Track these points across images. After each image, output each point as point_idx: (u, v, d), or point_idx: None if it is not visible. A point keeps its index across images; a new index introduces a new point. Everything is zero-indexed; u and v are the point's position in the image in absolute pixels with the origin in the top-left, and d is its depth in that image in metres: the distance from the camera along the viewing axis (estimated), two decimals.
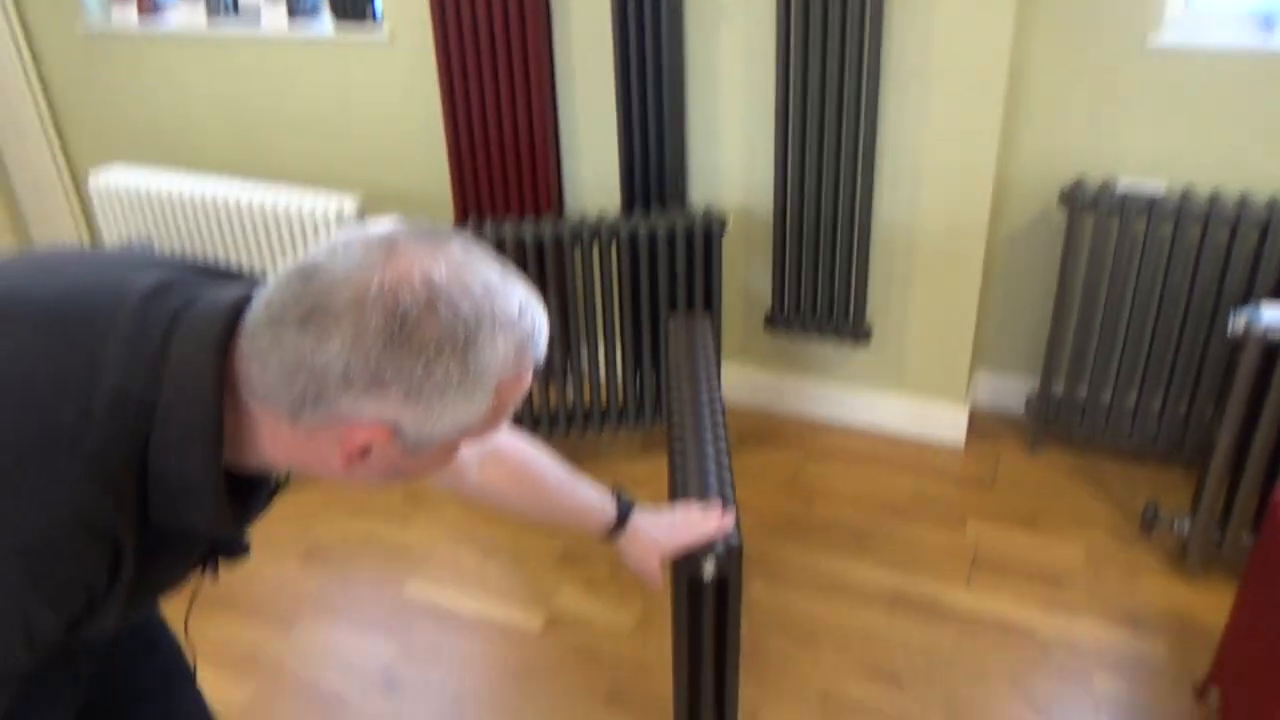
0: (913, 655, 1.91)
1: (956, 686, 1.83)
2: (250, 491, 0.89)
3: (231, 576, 2.21)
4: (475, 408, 0.79)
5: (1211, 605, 2.00)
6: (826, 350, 2.66)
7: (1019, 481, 2.42)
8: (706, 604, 1.44)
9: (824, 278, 2.50)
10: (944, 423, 2.59)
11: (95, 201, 2.91)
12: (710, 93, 2.48)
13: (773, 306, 2.61)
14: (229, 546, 1.00)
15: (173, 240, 2.86)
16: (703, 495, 1.48)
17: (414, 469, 0.86)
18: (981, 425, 2.65)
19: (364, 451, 0.79)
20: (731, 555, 1.39)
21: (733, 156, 2.52)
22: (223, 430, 0.77)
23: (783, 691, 1.84)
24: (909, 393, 2.62)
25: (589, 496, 1.31)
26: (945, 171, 2.31)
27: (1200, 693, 1.79)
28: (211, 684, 1.91)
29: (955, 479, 2.45)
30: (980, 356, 2.69)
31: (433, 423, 0.77)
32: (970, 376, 2.61)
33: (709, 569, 1.38)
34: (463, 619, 2.06)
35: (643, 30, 2.39)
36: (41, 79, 3.48)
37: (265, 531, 2.36)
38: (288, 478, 0.97)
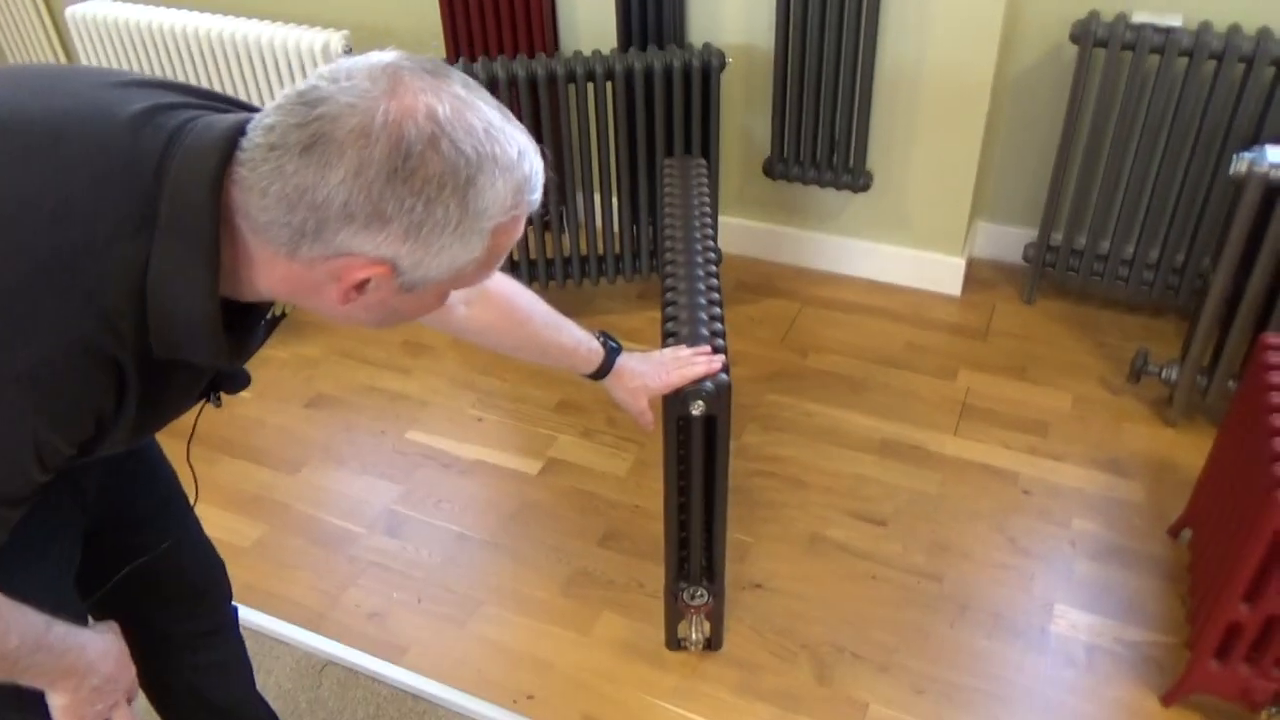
0: (898, 499, 1.97)
1: (940, 527, 1.90)
2: (248, 322, 0.89)
3: (238, 423, 2.26)
4: (471, 250, 0.78)
5: (1192, 451, 2.05)
6: (825, 198, 2.62)
7: (1012, 332, 2.44)
8: (695, 441, 1.48)
9: (825, 123, 2.43)
10: (941, 273, 2.58)
11: (73, 34, 2.79)
12: None
13: (772, 153, 2.55)
14: (231, 378, 1.01)
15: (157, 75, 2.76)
16: (693, 340, 1.49)
17: (406, 309, 0.86)
18: (979, 276, 2.65)
19: (360, 287, 0.79)
20: (720, 393, 1.41)
21: None
22: (219, 261, 0.77)
23: (771, 534, 1.91)
24: (907, 242, 2.59)
25: (577, 336, 1.34)
26: (952, 13, 2.21)
27: (1174, 532, 1.86)
28: (222, 524, 1.99)
29: (950, 329, 2.46)
30: (980, 206, 2.65)
31: (429, 262, 0.77)
32: (969, 226, 2.58)
33: (698, 406, 1.42)
34: (463, 464, 2.12)
35: None
36: None
37: (269, 380, 2.39)
38: (284, 312, 0.97)
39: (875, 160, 2.50)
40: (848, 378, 2.31)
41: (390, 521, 1.98)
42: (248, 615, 1.79)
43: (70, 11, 2.76)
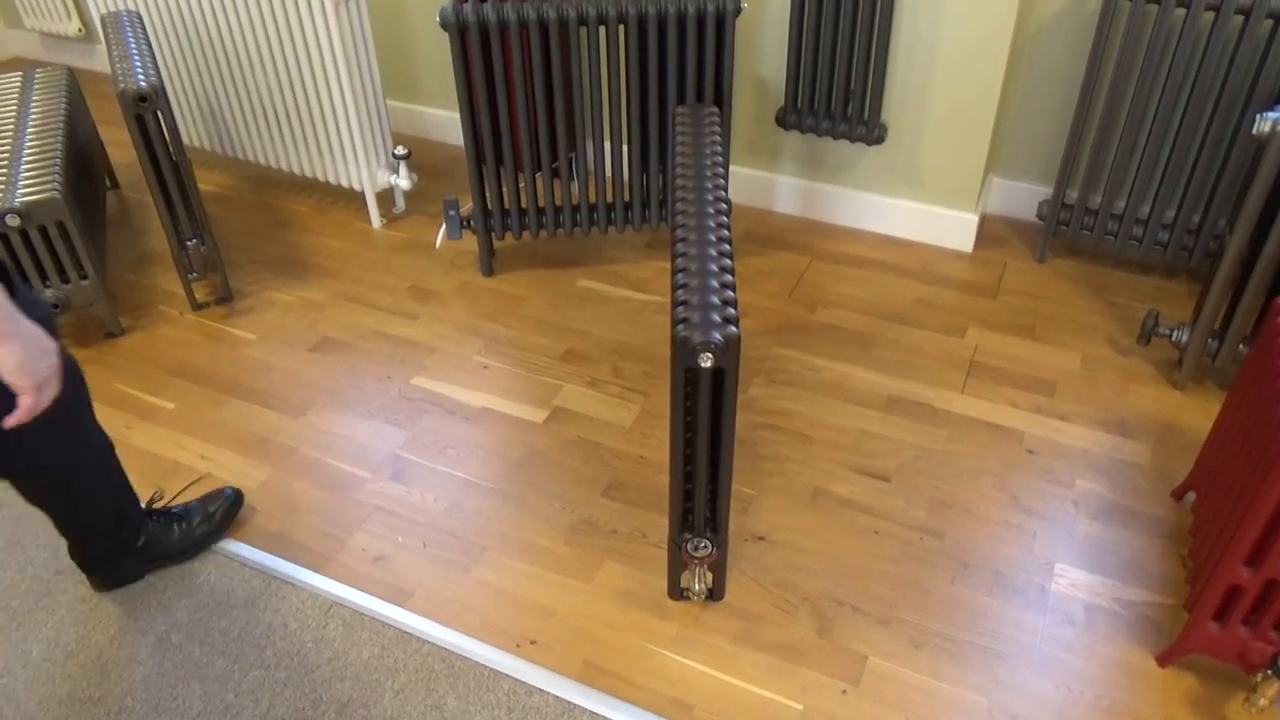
0: (903, 455, 1.97)
1: (943, 484, 1.91)
2: None
3: (244, 364, 2.26)
4: None
5: (1199, 414, 2.05)
6: (839, 151, 2.59)
7: (1023, 290, 2.42)
8: (703, 393, 1.48)
9: (840, 74, 2.39)
10: (954, 229, 2.56)
11: None
12: None
13: (785, 103, 2.51)
14: None
15: (162, 12, 2.72)
16: (703, 291, 1.48)
17: None
18: (991, 232, 2.62)
19: None
20: (729, 346, 1.41)
21: None
22: None
23: (775, 487, 1.92)
24: (920, 197, 2.56)
25: None
26: None
27: (1177, 495, 1.86)
28: (229, 465, 2.00)
29: (960, 286, 2.44)
30: (995, 160, 2.61)
31: None
32: (983, 181, 2.54)
33: (706, 359, 1.41)
34: (468, 411, 2.12)
35: None
36: None
37: (274, 323, 2.39)
38: None
39: (890, 112, 2.46)
40: (856, 333, 2.30)
41: (396, 467, 1.99)
42: (255, 555, 1.81)
43: None
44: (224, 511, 1.84)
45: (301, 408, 2.15)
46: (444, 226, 2.49)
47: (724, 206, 1.71)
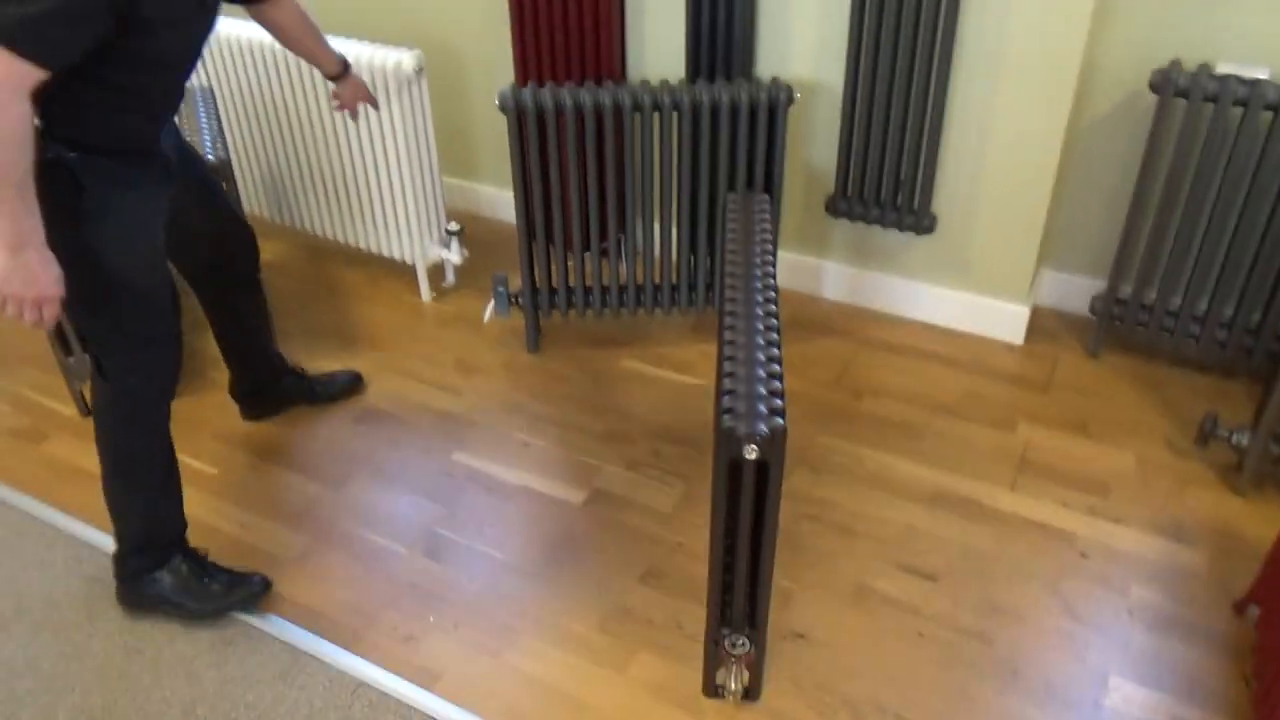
0: (950, 554, 1.91)
1: (992, 586, 1.84)
2: None
3: (289, 433, 2.28)
4: None
5: (1261, 522, 1.97)
6: (888, 239, 2.58)
7: (1076, 385, 2.37)
8: (746, 486, 1.45)
9: (891, 163, 2.40)
10: (1004, 321, 2.52)
11: None
12: None
13: (835, 190, 2.52)
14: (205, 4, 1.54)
15: (240, 82, 2.82)
16: (750, 381, 1.47)
17: None
18: (1043, 325, 2.58)
19: None
20: (775, 438, 1.38)
21: (804, 28, 2.39)
22: None
23: (816, 581, 1.87)
24: (970, 287, 2.54)
25: (330, 48, 2.03)
26: (1029, 57, 2.17)
27: (1239, 608, 1.77)
28: (267, 534, 2.00)
29: (1010, 379, 2.40)
30: (1047, 253, 2.59)
31: None
32: (1035, 274, 2.52)
33: (751, 451, 1.39)
34: (507, 489, 2.11)
35: None
36: None
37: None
38: None
39: (941, 202, 2.45)
40: (902, 423, 2.26)
41: (432, 543, 1.97)
42: (286, 629, 1.79)
43: None
44: (245, 598, 1.84)
45: (342, 479, 2.15)
46: (492, 302, 2.51)
47: (773, 295, 1.70)
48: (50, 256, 1.44)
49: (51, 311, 1.48)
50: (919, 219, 2.44)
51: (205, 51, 2.77)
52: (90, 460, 2.19)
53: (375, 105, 2.21)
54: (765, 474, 1.44)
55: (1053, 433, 2.22)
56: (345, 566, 1.93)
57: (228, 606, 1.82)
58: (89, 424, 2.34)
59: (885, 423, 2.27)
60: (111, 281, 1.58)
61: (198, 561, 1.84)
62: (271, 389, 2.31)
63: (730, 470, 1.45)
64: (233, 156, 2.96)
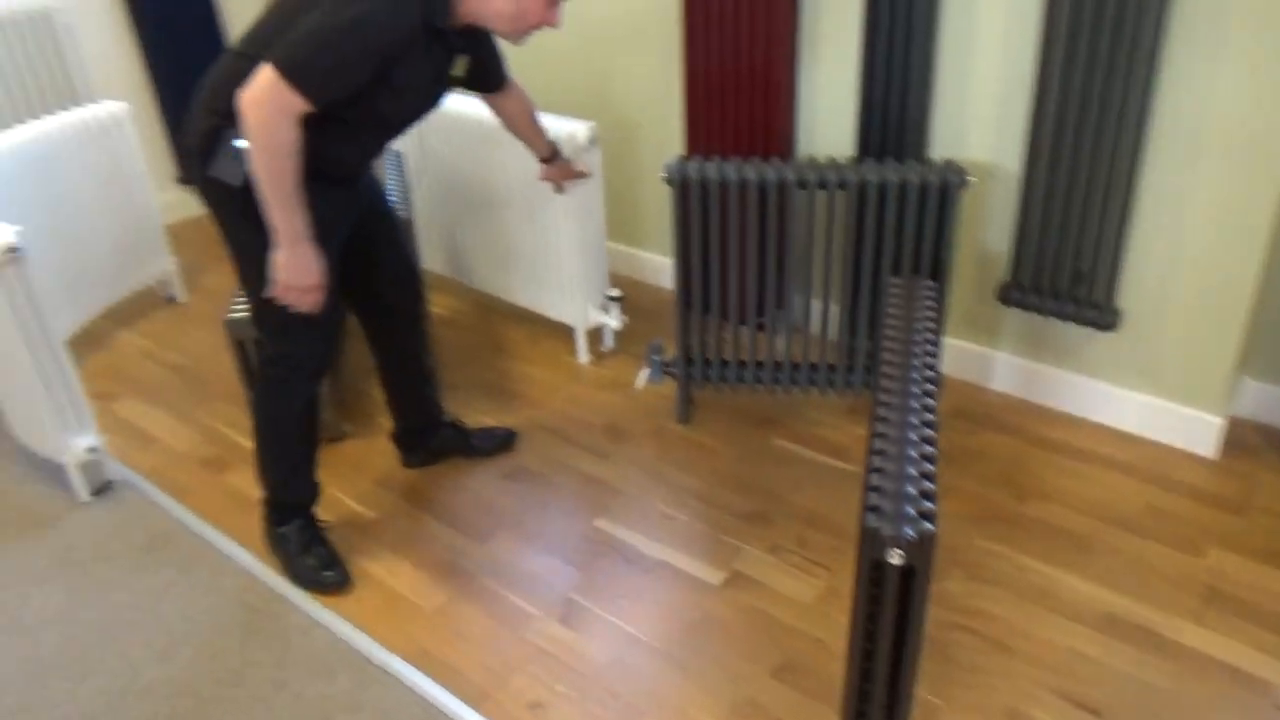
0: (1121, 688, 1.74)
1: None
2: (443, 41, 1.73)
3: (440, 483, 2.35)
4: None
5: None
6: (1067, 332, 2.43)
7: (1277, 509, 2.13)
8: (889, 590, 1.37)
9: (1071, 252, 2.26)
10: (1195, 430, 2.31)
11: None
12: (965, 39, 2.26)
13: (1009, 278, 2.40)
14: (441, 83, 1.81)
15: (422, 152, 3.00)
16: (899, 479, 1.39)
17: (533, 11, 1.73)
18: (1240, 439, 2.35)
19: None
20: (923, 544, 1.30)
21: (981, 109, 2.31)
22: None
23: (965, 701, 1.74)
24: (1157, 391, 2.35)
25: (545, 134, 2.29)
26: (1233, 137, 2.00)
27: None
28: (411, 582, 2.06)
29: (1199, 497, 2.18)
30: (1248, 359, 2.36)
31: None
32: (1234, 380, 2.30)
33: (895, 555, 1.31)
34: (646, 562, 2.09)
35: None
36: None
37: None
38: (462, 73, 1.87)
39: (1126, 296, 2.29)
40: (1072, 534, 2.09)
41: (567, 609, 1.97)
42: (418, 680, 1.82)
43: None
44: (329, 584, 2.07)
45: (487, 534, 2.19)
46: (646, 369, 2.53)
47: (931, 388, 1.63)
48: (316, 251, 1.72)
49: (316, 299, 1.77)
50: (1102, 313, 2.29)
51: None
52: None
53: (585, 175, 2.48)
54: (911, 580, 1.35)
55: (1249, 563, 1.99)
56: (481, 623, 1.95)
57: (310, 585, 2.07)
58: None
59: (1053, 531, 2.11)
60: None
61: (313, 532, 2.11)
62: (430, 437, 2.40)
63: (873, 571, 1.37)
64: (415, 214, 3.13)
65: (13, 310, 2.06)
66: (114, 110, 2.93)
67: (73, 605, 2.04)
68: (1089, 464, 2.31)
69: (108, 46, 3.61)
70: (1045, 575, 1.99)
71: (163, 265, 3.23)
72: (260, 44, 1.64)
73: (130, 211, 3.06)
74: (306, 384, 1.96)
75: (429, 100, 1.82)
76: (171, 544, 2.20)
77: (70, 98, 3.48)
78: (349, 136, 1.75)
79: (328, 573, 2.06)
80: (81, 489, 2.34)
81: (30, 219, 2.68)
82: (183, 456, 2.50)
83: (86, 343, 3.07)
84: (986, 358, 2.58)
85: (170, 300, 3.33)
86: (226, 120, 1.68)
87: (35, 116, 3.41)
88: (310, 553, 2.08)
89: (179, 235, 3.82)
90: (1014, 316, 2.50)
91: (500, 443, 2.46)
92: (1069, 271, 2.28)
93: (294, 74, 1.55)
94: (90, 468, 2.38)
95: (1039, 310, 2.37)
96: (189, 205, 4.01)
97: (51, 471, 2.44)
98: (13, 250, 1.99)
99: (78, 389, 2.26)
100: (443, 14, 1.68)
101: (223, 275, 3.50)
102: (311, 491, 2.12)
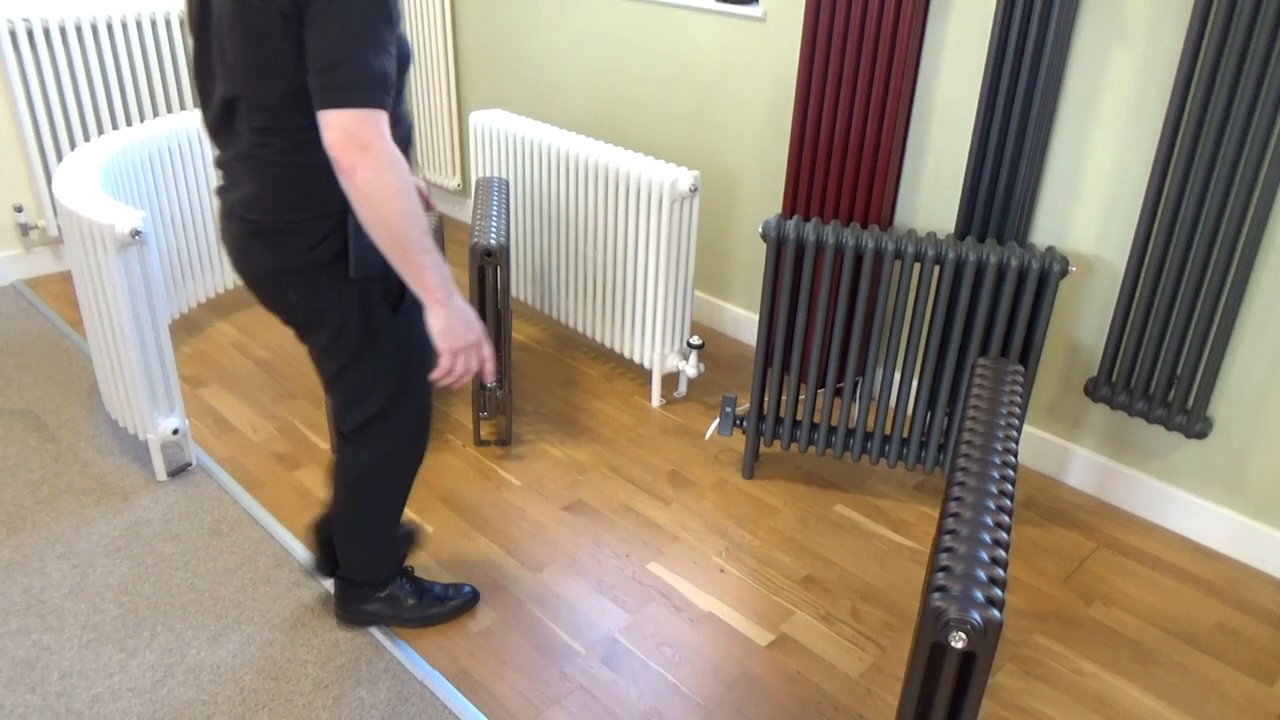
0: None
1: None
2: None
3: (502, 506, 2.38)
4: None
5: None
6: (1152, 435, 2.36)
7: None
8: (946, 675, 1.34)
9: (1168, 355, 2.21)
10: (1277, 552, 2.22)
11: (472, 137, 3.20)
12: (1082, 127, 2.25)
13: (1098, 373, 2.35)
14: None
15: (525, 182, 3.08)
16: (970, 562, 1.37)
17: None
18: None
19: None
20: (989, 631, 1.27)
21: (1091, 200, 2.28)
22: None
23: None
24: (1241, 507, 2.26)
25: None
26: None
27: None
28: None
29: (1276, 622, 2.09)
30: None
31: None
32: None
33: (958, 639, 1.28)
34: (694, 612, 2.07)
35: (1022, 49, 2.21)
36: (454, 21, 3.87)
37: (540, 475, 2.51)
38: None
39: (1220, 406, 2.22)
40: (1136, 643, 2.02)
41: (610, 650, 1.97)
42: (456, 701, 1.83)
43: (473, 116, 3.18)
44: (459, 605, 2.02)
45: (540, 563, 2.20)
46: (718, 420, 2.53)
47: (1011, 474, 1.60)
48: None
49: (490, 350, 1.49)
50: (1191, 421, 2.22)
51: (500, 145, 3.05)
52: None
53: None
54: (970, 667, 1.32)
55: None
56: (524, 652, 1.96)
57: (445, 615, 2.00)
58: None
59: (1116, 638, 2.03)
60: (413, 359, 1.65)
61: (415, 582, 1.99)
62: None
63: (932, 653, 1.34)
64: (511, 244, 3.21)
65: (129, 290, 2.17)
66: None
67: (135, 579, 2.11)
68: (1161, 573, 2.23)
69: None
70: (1104, 682, 1.92)
71: None
72: (261, 100, 1.37)
73: None
74: (405, 473, 1.78)
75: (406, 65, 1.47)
76: (237, 532, 2.26)
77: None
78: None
79: (462, 592, 2.01)
80: (160, 468, 2.43)
81: (153, 207, 2.83)
82: (258, 448, 2.58)
83: (185, 328, 3.21)
84: (1065, 450, 2.52)
85: None
86: (323, 209, 1.42)
87: (174, 110, 3.61)
88: (428, 595, 1.97)
89: None
90: (1099, 412, 2.44)
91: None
92: (1163, 374, 2.23)
93: (375, 93, 1.29)
94: (171, 448, 2.48)
95: (1126, 409, 2.31)
96: None
97: (135, 448, 2.54)
98: (136, 234, 2.10)
99: (172, 372, 2.35)
100: None
101: None
102: (407, 542, 1.96)
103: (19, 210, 3.43)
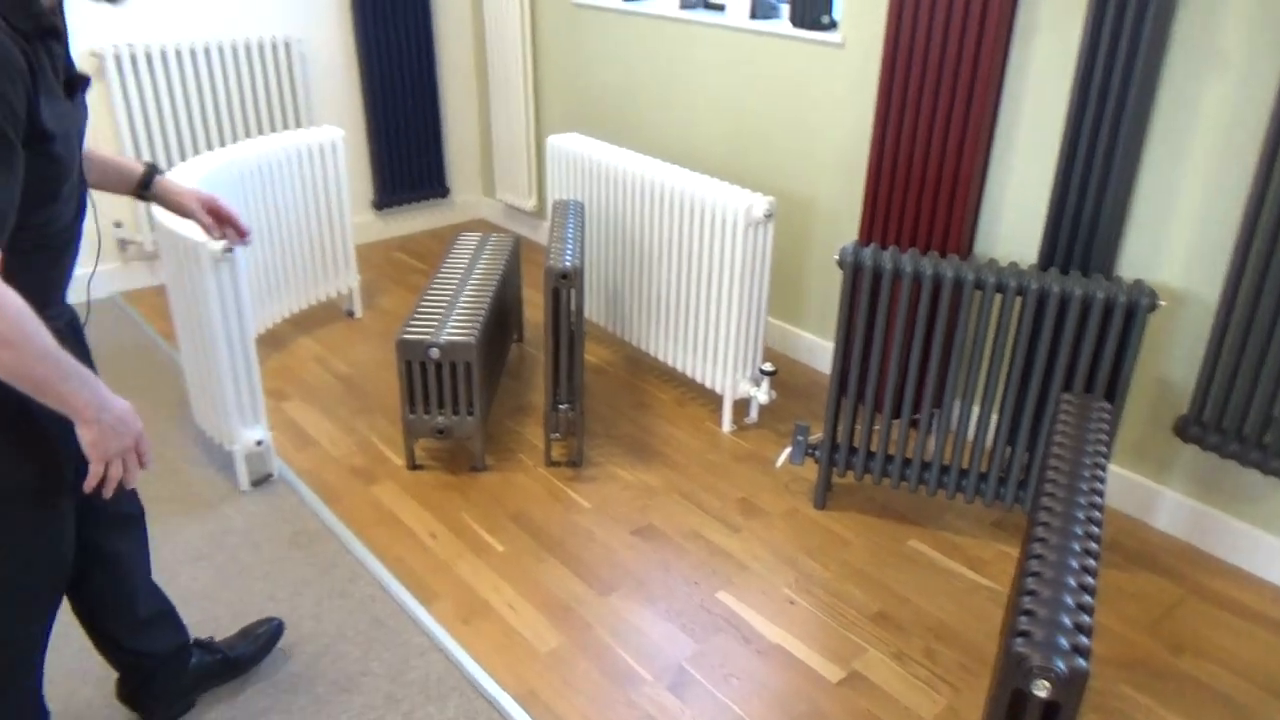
0: None
1: None
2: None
3: (572, 529, 2.38)
4: None
5: None
6: (1246, 479, 2.26)
7: None
8: None
9: (1264, 396, 2.12)
10: None
11: (549, 160, 3.25)
12: (1173, 157, 2.18)
13: (1189, 412, 2.26)
14: (76, 82, 1.29)
15: (600, 205, 3.11)
16: (1055, 607, 1.32)
17: None
18: None
19: None
20: (1074, 681, 1.23)
21: (1182, 233, 2.21)
22: None
23: None
24: None
25: (128, 162, 1.62)
26: None
27: None
28: (530, 622, 2.08)
29: None
30: None
31: None
32: None
33: (1042, 688, 1.24)
34: (763, 643, 2.05)
35: (1109, 76, 2.16)
36: (534, 45, 3.94)
37: (609, 498, 2.51)
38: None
39: None
40: (1227, 698, 1.93)
41: (677, 679, 1.95)
42: (521, 718, 1.84)
43: (551, 139, 3.22)
44: (268, 637, 1.97)
45: (609, 586, 2.20)
46: (789, 448, 2.50)
47: (1098, 515, 1.54)
48: (112, 394, 1.28)
49: (147, 444, 1.36)
50: None
51: (576, 168, 3.08)
52: (405, 510, 2.43)
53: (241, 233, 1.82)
54: (1053, 717, 1.28)
55: None
56: (591, 675, 1.95)
57: (257, 653, 1.96)
58: (414, 476, 2.61)
59: (1206, 691, 1.94)
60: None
61: (208, 644, 1.89)
62: (156, 678, 1.83)
63: (1013, 700, 1.30)
64: (586, 266, 3.24)
65: (220, 304, 2.25)
66: (332, 135, 3.18)
67: (216, 586, 2.17)
68: (1255, 624, 2.13)
69: (335, 76, 3.93)
70: None
71: (349, 282, 3.45)
72: None
73: (329, 229, 3.29)
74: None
75: (78, 133, 1.30)
76: (315, 544, 2.31)
77: (297, 119, 3.80)
78: (44, 237, 1.27)
79: (262, 631, 1.96)
80: (244, 478, 2.50)
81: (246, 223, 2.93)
82: (336, 462, 2.64)
83: (270, 342, 3.30)
84: (1153, 492, 2.43)
85: (349, 314, 3.54)
86: None
87: (265, 132, 3.74)
88: (235, 649, 1.91)
89: (364, 257, 4.08)
90: (1189, 453, 2.35)
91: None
92: (1259, 414, 2.13)
93: None
94: (255, 459, 2.55)
95: (1219, 451, 2.22)
96: (374, 230, 4.28)
97: (220, 458, 2.62)
98: (228, 250, 2.18)
99: (258, 385, 2.43)
100: None
101: (397, 298, 3.70)
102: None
103: (118, 226, 3.58)
